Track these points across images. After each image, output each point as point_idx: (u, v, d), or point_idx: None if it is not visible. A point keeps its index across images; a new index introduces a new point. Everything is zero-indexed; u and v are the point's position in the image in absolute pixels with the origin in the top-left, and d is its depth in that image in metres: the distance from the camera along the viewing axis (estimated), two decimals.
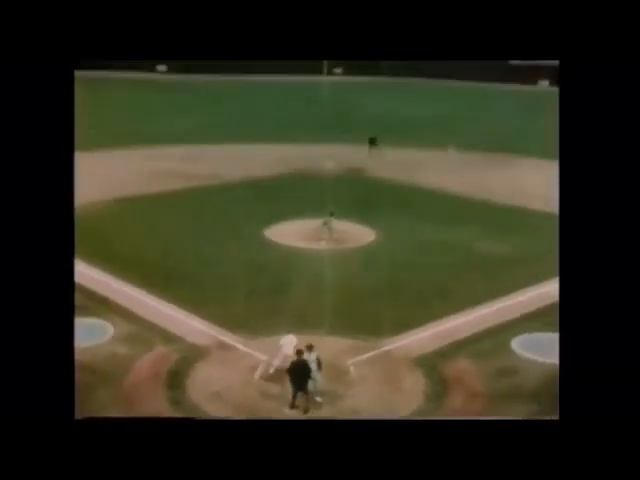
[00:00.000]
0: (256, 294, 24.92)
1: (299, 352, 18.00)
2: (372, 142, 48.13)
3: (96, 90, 71.37)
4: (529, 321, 23.24)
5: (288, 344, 19.24)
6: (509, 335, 22.06)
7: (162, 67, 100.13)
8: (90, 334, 20.77)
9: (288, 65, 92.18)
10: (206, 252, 29.79)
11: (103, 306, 23.59)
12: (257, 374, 19.32)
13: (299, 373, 17.44)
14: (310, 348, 18.08)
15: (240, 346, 21.01)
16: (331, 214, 31.46)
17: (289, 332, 19.94)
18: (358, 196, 37.95)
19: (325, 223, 31.14)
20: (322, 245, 30.64)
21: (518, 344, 21.57)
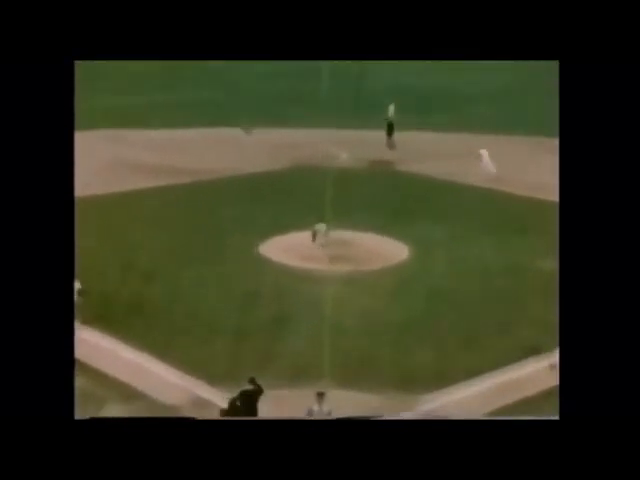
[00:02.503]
0: (244, 333, 22.17)
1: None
2: (390, 128, 42.00)
3: None
4: None
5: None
6: None
7: None
8: None
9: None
10: (181, 274, 25.93)
11: None
12: None
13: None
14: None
15: (221, 404, 18.47)
16: (323, 228, 27.34)
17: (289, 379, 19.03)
18: (384, 198, 33.16)
19: (314, 236, 27.45)
20: (329, 265, 26.27)
21: None
